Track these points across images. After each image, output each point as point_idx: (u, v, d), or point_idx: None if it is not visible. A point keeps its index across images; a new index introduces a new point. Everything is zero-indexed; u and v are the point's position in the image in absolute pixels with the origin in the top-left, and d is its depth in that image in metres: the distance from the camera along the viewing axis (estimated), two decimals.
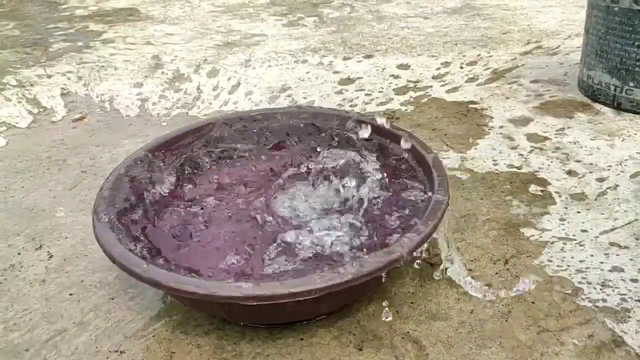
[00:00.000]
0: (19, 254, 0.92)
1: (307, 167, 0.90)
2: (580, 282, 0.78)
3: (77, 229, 0.97)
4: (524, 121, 1.31)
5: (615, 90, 1.33)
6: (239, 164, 1.00)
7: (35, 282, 0.84)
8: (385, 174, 0.86)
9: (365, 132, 0.91)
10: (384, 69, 1.73)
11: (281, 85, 1.64)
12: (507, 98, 1.46)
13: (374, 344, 0.70)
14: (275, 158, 1.01)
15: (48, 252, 0.91)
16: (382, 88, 1.58)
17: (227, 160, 0.99)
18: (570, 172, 1.08)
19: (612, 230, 0.89)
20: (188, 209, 0.88)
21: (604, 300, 0.75)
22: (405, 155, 0.88)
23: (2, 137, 1.38)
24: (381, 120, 0.91)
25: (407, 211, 0.81)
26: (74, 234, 0.96)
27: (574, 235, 0.89)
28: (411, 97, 1.50)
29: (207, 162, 0.97)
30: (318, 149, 0.94)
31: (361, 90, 1.57)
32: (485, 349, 0.68)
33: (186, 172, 0.94)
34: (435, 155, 0.85)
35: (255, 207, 0.87)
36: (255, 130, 1.02)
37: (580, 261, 0.83)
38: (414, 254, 0.66)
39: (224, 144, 1.00)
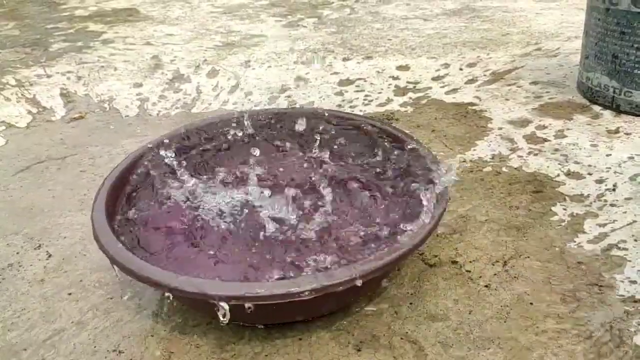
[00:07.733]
0: (18, 253, 0.91)
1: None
2: (579, 283, 0.78)
3: (76, 229, 0.97)
4: (523, 122, 1.31)
5: (614, 92, 1.33)
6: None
7: (33, 281, 0.84)
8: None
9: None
10: (383, 70, 1.74)
11: (281, 85, 1.64)
12: (506, 99, 1.46)
13: (372, 345, 0.69)
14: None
15: (47, 251, 0.91)
16: (382, 89, 1.58)
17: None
18: (569, 174, 1.08)
19: (611, 231, 0.90)
20: None
21: (603, 302, 0.75)
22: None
23: (1, 136, 1.38)
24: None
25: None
26: (73, 233, 0.96)
27: (573, 236, 0.89)
28: (410, 98, 1.50)
29: None
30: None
31: (361, 91, 1.57)
32: (484, 350, 0.68)
33: None
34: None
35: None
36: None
37: (579, 262, 0.83)
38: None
39: None
